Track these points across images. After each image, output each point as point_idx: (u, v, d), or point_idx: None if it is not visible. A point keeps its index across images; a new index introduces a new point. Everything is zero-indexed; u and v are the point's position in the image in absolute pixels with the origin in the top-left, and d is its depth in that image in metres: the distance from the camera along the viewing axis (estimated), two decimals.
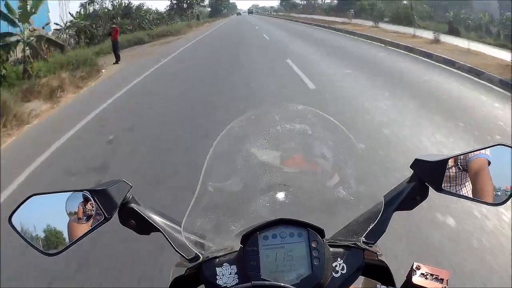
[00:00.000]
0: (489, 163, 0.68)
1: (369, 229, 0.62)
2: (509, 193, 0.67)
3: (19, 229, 0.62)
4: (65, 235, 0.63)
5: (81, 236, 0.62)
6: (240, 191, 0.67)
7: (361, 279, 0.69)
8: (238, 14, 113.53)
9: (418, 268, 0.60)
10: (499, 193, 0.68)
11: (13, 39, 10.29)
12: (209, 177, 0.66)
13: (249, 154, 0.68)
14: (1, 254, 2.48)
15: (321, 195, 0.68)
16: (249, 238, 0.60)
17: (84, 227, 0.62)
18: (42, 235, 0.63)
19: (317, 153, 0.70)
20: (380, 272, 0.64)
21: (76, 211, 0.63)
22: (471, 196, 0.68)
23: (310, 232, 0.60)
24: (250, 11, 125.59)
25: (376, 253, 0.63)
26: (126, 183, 0.63)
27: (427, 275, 0.60)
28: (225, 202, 0.66)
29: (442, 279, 0.60)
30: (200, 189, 0.65)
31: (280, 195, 0.67)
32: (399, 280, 0.64)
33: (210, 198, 0.65)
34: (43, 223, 0.64)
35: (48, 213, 0.64)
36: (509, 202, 0.67)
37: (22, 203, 0.63)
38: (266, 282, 0.56)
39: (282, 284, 0.55)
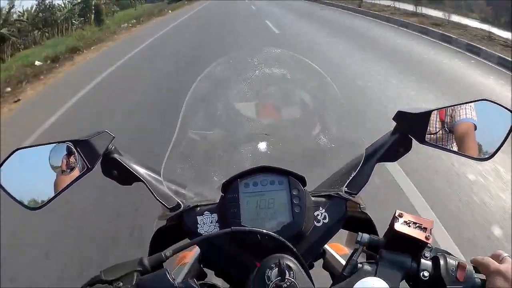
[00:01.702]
0: (475, 127, 0.68)
1: (350, 178, 0.62)
2: (495, 148, 0.67)
3: (5, 184, 0.63)
4: (50, 187, 0.63)
5: (64, 188, 0.62)
6: (220, 140, 0.67)
7: (345, 235, 0.69)
8: None
9: (400, 215, 0.59)
10: (484, 149, 0.68)
11: None
12: (188, 123, 0.66)
13: (229, 102, 0.68)
14: None
15: (303, 144, 0.67)
16: (230, 186, 0.60)
17: (67, 178, 0.62)
18: (27, 188, 0.64)
19: (297, 99, 0.70)
20: (364, 224, 0.64)
21: (60, 163, 0.63)
22: (456, 149, 0.68)
23: (291, 180, 0.60)
24: None
25: (359, 204, 0.62)
26: (109, 133, 0.64)
27: (410, 223, 0.59)
28: (206, 151, 0.66)
29: (425, 228, 0.59)
30: (178, 134, 0.65)
31: (262, 145, 0.67)
32: (382, 233, 0.63)
33: (190, 146, 0.65)
34: (28, 176, 0.65)
35: (33, 166, 0.65)
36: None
37: (7, 158, 0.63)
38: (246, 228, 0.55)
39: (261, 230, 0.54)
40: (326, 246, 0.66)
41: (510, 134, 0.65)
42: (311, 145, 0.67)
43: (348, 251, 0.73)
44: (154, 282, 0.50)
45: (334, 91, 0.67)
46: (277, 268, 0.49)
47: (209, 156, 0.66)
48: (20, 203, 0.63)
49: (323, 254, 0.66)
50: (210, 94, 0.69)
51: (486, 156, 0.67)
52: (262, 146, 0.67)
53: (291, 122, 0.70)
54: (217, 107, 0.68)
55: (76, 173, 0.62)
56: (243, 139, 0.67)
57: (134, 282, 0.50)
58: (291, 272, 0.49)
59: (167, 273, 0.50)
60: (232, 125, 0.68)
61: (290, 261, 0.51)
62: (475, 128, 0.68)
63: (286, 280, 0.48)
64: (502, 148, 0.65)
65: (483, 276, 0.54)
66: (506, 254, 0.56)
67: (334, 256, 0.69)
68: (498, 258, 0.56)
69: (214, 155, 0.67)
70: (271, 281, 0.48)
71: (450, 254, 0.58)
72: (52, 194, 0.63)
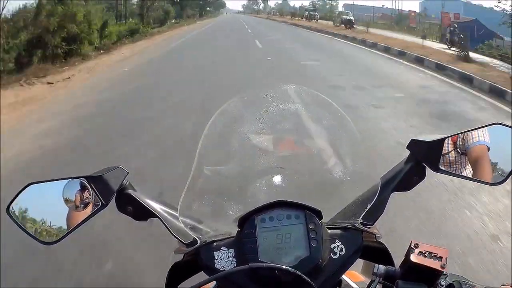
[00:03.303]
0: (488, 149, 0.68)
1: (366, 210, 0.61)
2: (508, 172, 0.67)
3: (17, 218, 0.63)
4: (63, 222, 0.63)
5: (79, 224, 0.62)
6: (236, 175, 0.67)
7: (360, 263, 0.69)
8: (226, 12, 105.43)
9: (416, 246, 0.59)
10: (497, 173, 0.68)
11: None
12: (204, 160, 0.66)
13: (244, 137, 0.67)
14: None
15: (318, 177, 0.67)
16: (246, 221, 0.59)
17: (81, 215, 0.62)
18: (40, 223, 0.63)
19: (312, 134, 0.70)
20: (379, 254, 0.64)
21: (74, 199, 0.63)
22: (470, 176, 0.68)
23: (307, 214, 0.60)
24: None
25: (374, 234, 0.62)
26: (123, 169, 0.63)
27: (426, 253, 0.59)
28: (222, 186, 0.66)
29: (440, 257, 0.59)
30: (194, 171, 0.64)
31: (277, 178, 0.67)
32: (399, 262, 0.63)
33: (206, 182, 0.65)
34: (41, 212, 0.64)
35: (46, 201, 0.64)
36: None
37: (20, 192, 0.63)
38: (264, 264, 0.55)
39: (279, 265, 0.54)
40: (343, 276, 0.66)
41: None
42: (326, 178, 0.67)
43: (363, 278, 0.74)
44: None
45: (350, 126, 0.67)
46: None
47: (224, 190, 0.66)
48: (34, 237, 0.63)
49: (339, 283, 0.66)
50: (225, 130, 0.69)
51: (500, 180, 0.68)
52: (277, 179, 0.67)
53: (306, 156, 0.69)
54: (232, 143, 0.67)
55: (90, 209, 0.62)
56: (258, 173, 0.67)
57: None
58: None
59: None
60: (247, 159, 0.67)
61: None
62: (489, 151, 0.68)
63: None
64: None
65: None
66: None
67: (350, 285, 0.69)
68: None
69: (230, 189, 0.66)
70: None
71: (465, 280, 0.59)
72: (66, 230, 0.62)
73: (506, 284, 0.59)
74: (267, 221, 0.59)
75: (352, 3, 45.11)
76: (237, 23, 35.60)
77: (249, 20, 43.19)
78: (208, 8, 72.26)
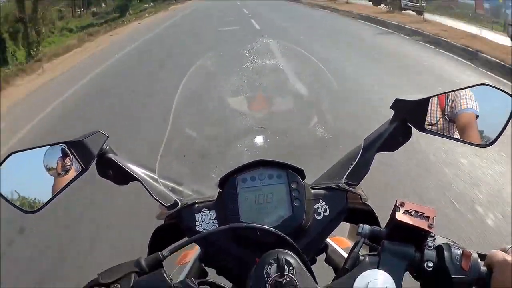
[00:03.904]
0: (476, 116, 0.67)
1: (349, 169, 0.60)
2: (497, 133, 0.66)
3: (1, 188, 0.63)
4: (46, 189, 0.63)
5: (60, 190, 0.62)
6: (215, 135, 0.66)
7: (347, 228, 0.68)
8: None
9: (402, 205, 0.58)
10: (486, 135, 0.67)
11: None
12: (180, 119, 0.65)
13: (222, 96, 0.67)
14: None
15: (300, 135, 0.66)
16: (227, 181, 0.59)
17: (63, 180, 0.62)
18: (23, 192, 0.63)
19: (292, 90, 0.69)
20: (365, 216, 0.62)
21: (55, 165, 0.63)
22: (457, 137, 0.66)
23: (290, 173, 0.59)
24: None
25: (360, 195, 0.61)
26: (103, 133, 0.63)
27: (412, 212, 0.57)
28: (201, 147, 0.65)
29: (427, 217, 0.57)
30: (170, 130, 0.64)
31: (258, 139, 0.66)
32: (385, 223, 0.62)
33: (184, 141, 0.64)
34: (24, 180, 0.64)
35: (28, 169, 0.64)
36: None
37: (2, 162, 0.63)
38: (244, 224, 0.54)
39: (260, 225, 0.53)
40: (328, 240, 0.65)
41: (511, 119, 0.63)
42: (308, 136, 0.65)
43: (351, 244, 0.72)
44: (151, 283, 0.50)
45: (329, 81, 0.66)
46: (275, 264, 0.47)
47: (205, 152, 0.65)
48: (17, 206, 0.62)
49: (325, 248, 0.65)
50: (201, 88, 0.68)
51: (488, 142, 0.66)
52: (259, 140, 0.66)
53: (287, 114, 0.69)
54: (210, 102, 0.67)
55: (71, 174, 0.62)
56: (238, 134, 0.66)
57: (131, 283, 0.50)
58: (291, 268, 0.48)
59: (164, 273, 0.49)
60: (226, 120, 0.67)
61: (289, 256, 0.50)
62: (477, 117, 0.67)
63: (286, 276, 0.47)
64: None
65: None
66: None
67: (337, 250, 0.68)
68: (504, 251, 0.54)
69: (210, 150, 0.66)
70: (270, 277, 0.47)
71: (454, 242, 0.57)
72: (49, 197, 0.62)
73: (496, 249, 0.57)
74: (248, 181, 0.59)
75: None
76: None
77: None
78: None
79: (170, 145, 0.63)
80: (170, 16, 19.75)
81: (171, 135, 0.63)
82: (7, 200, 0.62)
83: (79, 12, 23.41)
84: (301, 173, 0.59)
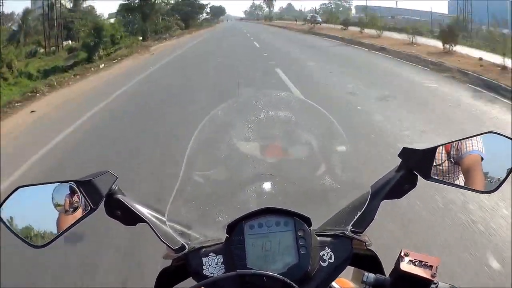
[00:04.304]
0: (482, 158, 0.68)
1: (356, 217, 0.61)
2: (500, 180, 0.67)
3: (7, 221, 0.63)
4: (53, 226, 0.63)
5: (68, 227, 0.62)
6: (225, 181, 0.66)
7: (350, 271, 0.69)
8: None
9: (406, 255, 0.59)
10: (489, 181, 0.67)
11: None
12: (192, 166, 0.66)
13: (233, 143, 0.67)
14: None
15: (308, 184, 0.67)
16: (235, 227, 0.59)
17: (70, 218, 0.62)
18: (30, 227, 0.63)
19: (302, 141, 0.69)
20: (369, 262, 0.63)
21: (63, 202, 0.63)
22: (461, 184, 0.67)
23: (297, 221, 0.59)
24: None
25: (364, 242, 0.62)
26: (112, 174, 0.63)
27: (416, 261, 0.59)
28: (210, 192, 0.66)
29: (431, 266, 0.59)
30: (183, 176, 0.64)
31: (266, 185, 0.67)
32: (389, 270, 0.63)
33: (195, 187, 0.65)
34: (31, 215, 0.64)
35: (35, 205, 0.64)
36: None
37: (9, 195, 0.63)
38: (252, 271, 0.55)
39: (267, 272, 0.54)
40: (332, 283, 0.66)
41: None
42: (315, 185, 0.66)
43: (353, 286, 0.73)
44: None
45: (340, 133, 0.67)
46: None
47: (213, 196, 0.66)
48: (23, 239, 0.62)
49: None
50: (214, 136, 0.69)
51: (492, 189, 0.67)
52: (267, 186, 0.67)
53: (296, 163, 0.69)
54: (222, 149, 0.67)
55: (79, 213, 0.62)
56: (247, 179, 0.66)
57: None
58: None
59: None
60: (236, 166, 0.67)
61: None
62: (482, 160, 0.68)
63: None
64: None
65: None
66: None
67: None
68: None
69: (219, 195, 0.66)
70: None
71: None
72: (56, 233, 0.62)
73: None
74: (256, 228, 0.59)
75: (365, 3, 42.07)
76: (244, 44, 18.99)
77: (260, 32, 28.66)
78: (206, 16, 53.11)
79: (181, 190, 0.63)
80: (152, 61, 13.17)
81: (183, 180, 0.64)
82: (12, 232, 0.62)
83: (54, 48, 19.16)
84: (307, 221, 0.60)
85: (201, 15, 46.74)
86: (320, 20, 34.28)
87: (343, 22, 26.16)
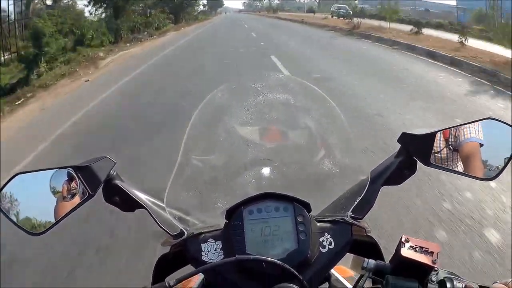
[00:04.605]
0: (480, 145, 0.67)
1: (355, 203, 0.61)
2: (500, 167, 0.66)
3: (5, 208, 0.62)
4: (50, 213, 0.62)
5: (65, 214, 0.61)
6: (224, 165, 0.66)
7: (350, 257, 0.68)
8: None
9: (407, 240, 0.59)
10: (489, 168, 0.67)
11: None
12: (190, 150, 0.65)
13: (232, 127, 0.67)
14: None
15: (307, 169, 0.67)
16: (234, 213, 0.59)
17: (68, 205, 0.62)
18: (28, 214, 0.63)
19: (301, 124, 0.69)
20: (369, 248, 0.63)
21: (61, 189, 0.62)
22: (461, 170, 0.67)
23: (296, 206, 0.59)
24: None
25: (364, 228, 0.62)
26: (110, 159, 0.63)
27: (416, 247, 0.58)
28: (209, 177, 0.65)
29: (432, 252, 0.58)
30: (181, 160, 0.64)
31: (265, 170, 0.66)
32: (389, 256, 0.62)
33: (193, 172, 0.64)
34: (29, 202, 0.64)
35: (33, 191, 0.64)
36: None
37: (8, 182, 0.62)
38: (251, 256, 0.55)
39: (266, 258, 0.54)
40: (332, 270, 0.65)
41: None
42: (315, 170, 0.66)
43: (353, 273, 0.73)
44: None
45: (339, 117, 0.67)
46: None
47: (212, 181, 0.65)
48: (21, 227, 0.62)
49: (328, 278, 0.65)
50: (212, 120, 0.68)
51: (492, 176, 0.67)
52: (266, 171, 0.66)
53: (295, 147, 0.69)
54: (220, 133, 0.67)
55: (77, 199, 0.61)
56: (246, 164, 0.66)
57: None
58: None
59: None
60: (235, 150, 0.67)
61: None
62: (481, 147, 0.68)
63: None
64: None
65: None
66: None
67: (340, 280, 0.68)
68: (506, 284, 0.55)
69: (217, 180, 0.66)
70: None
71: (456, 276, 0.58)
72: (53, 220, 0.62)
73: (498, 282, 0.58)
74: (255, 213, 0.59)
75: None
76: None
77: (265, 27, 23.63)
78: (203, 8, 48.08)
79: (179, 175, 0.63)
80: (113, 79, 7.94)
81: (181, 165, 0.63)
82: (11, 220, 0.62)
83: (9, 55, 14.31)
84: (307, 206, 0.59)
85: (196, 7, 41.68)
86: (351, 12, 25.70)
87: (412, 21, 15.22)
